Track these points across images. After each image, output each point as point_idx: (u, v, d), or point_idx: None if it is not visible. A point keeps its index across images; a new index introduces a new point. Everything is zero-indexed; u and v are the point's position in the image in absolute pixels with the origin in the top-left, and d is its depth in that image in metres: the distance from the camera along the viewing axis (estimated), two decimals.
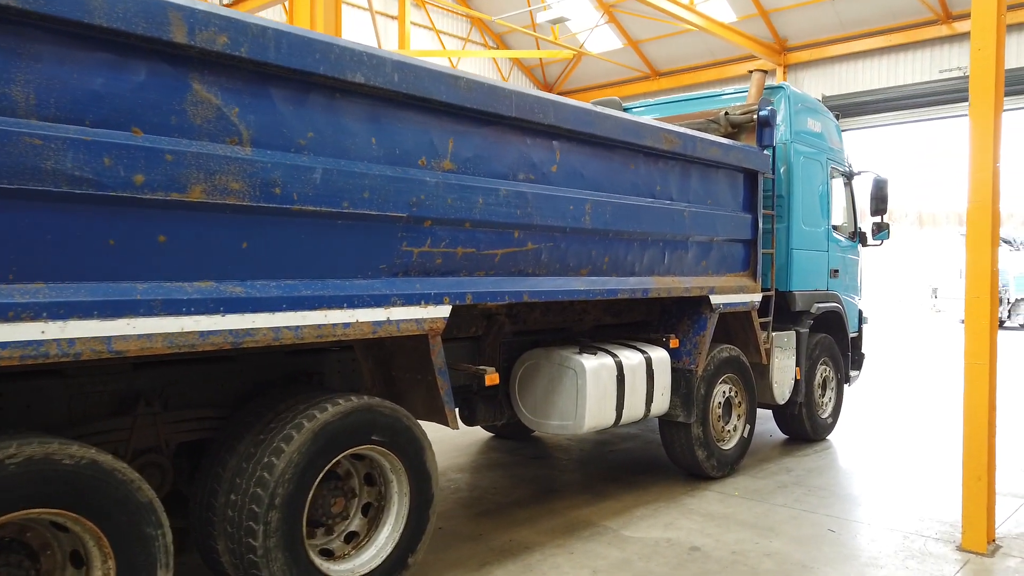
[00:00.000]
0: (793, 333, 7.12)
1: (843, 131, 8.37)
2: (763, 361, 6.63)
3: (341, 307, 3.43)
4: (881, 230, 8.28)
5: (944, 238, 36.05)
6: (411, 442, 3.82)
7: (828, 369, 7.77)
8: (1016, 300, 23.66)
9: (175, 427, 3.65)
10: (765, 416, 7.81)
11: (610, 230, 4.96)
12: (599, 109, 4.82)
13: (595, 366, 5.02)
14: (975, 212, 4.57)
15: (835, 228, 7.93)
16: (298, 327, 3.27)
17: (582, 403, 4.96)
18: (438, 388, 3.94)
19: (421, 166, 3.78)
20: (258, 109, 3.15)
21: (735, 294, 6.24)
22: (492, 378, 4.36)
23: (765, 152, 6.53)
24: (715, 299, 6.00)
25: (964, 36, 15.39)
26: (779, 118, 7.09)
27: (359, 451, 3.68)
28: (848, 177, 8.33)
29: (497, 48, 22.17)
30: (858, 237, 8.40)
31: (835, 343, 7.84)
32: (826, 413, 7.77)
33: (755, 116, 6.51)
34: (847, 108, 16.47)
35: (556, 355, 5.10)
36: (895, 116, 16.85)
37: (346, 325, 3.45)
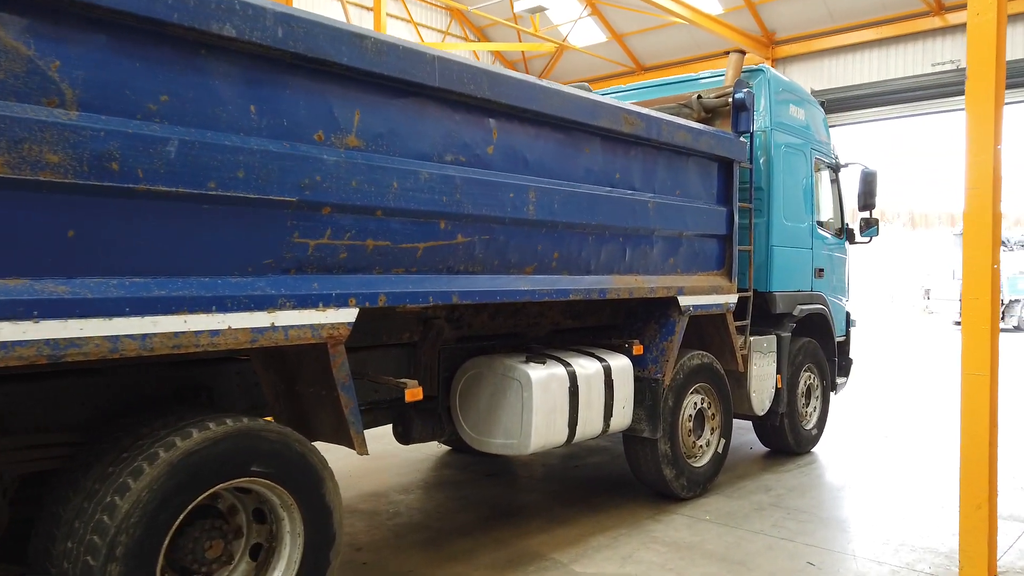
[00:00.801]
0: (773, 337, 6.53)
1: (832, 127, 7.81)
2: (740, 368, 6.03)
3: (207, 310, 2.81)
4: (870, 226, 7.71)
5: (936, 238, 35.62)
6: (305, 473, 3.19)
7: (813, 376, 7.18)
8: (1010, 301, 23.16)
9: (14, 455, 3.02)
10: (746, 427, 7.21)
11: (560, 222, 4.36)
12: (544, 83, 4.21)
13: (543, 377, 4.41)
14: (973, 200, 3.98)
15: (820, 224, 7.35)
16: (146, 335, 2.64)
17: (528, 419, 4.35)
18: (342, 406, 3.32)
19: (317, 141, 3.17)
20: (89, 64, 2.53)
21: (708, 295, 5.65)
22: (414, 393, 3.73)
23: (742, 139, 5.93)
24: (684, 300, 5.40)
25: (957, 28, 14.86)
26: (761, 105, 6.52)
27: (241, 484, 3.06)
28: (834, 169, 7.75)
29: (478, 41, 21.56)
30: (845, 234, 7.82)
31: (820, 348, 7.25)
32: (810, 424, 7.18)
33: (730, 99, 5.92)
34: (837, 103, 15.92)
35: (499, 364, 4.49)
36: (886, 111, 16.30)
37: (214, 333, 2.82)
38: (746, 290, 6.21)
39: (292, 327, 3.08)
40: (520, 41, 20.36)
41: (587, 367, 4.74)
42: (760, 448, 7.21)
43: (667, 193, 5.26)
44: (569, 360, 4.68)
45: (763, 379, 6.38)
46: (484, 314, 4.88)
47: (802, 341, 6.94)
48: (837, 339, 7.62)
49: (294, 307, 3.09)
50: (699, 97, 6.07)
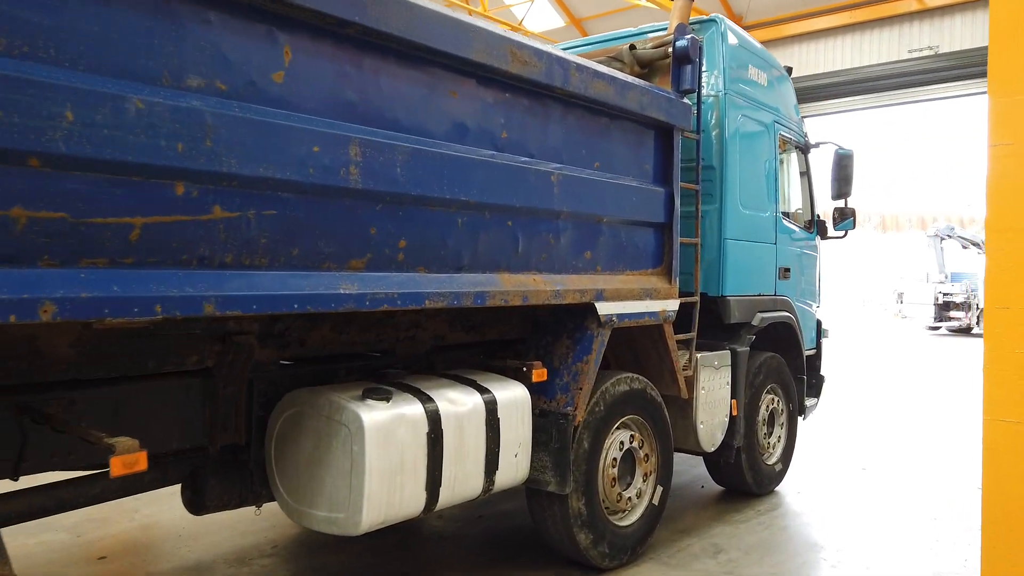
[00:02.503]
0: (727, 353, 5.23)
1: (804, 117, 6.55)
2: (683, 394, 4.72)
3: None
4: (845, 218, 6.45)
5: (908, 241, 34.93)
6: None
7: (776, 399, 5.90)
8: None
9: None
10: (696, 458, 5.92)
11: (407, 195, 3.00)
12: None
13: (383, 420, 3.04)
14: (1002, 158, 2.69)
15: (786, 215, 6.09)
16: None
17: (358, 483, 2.97)
18: None
19: None
20: None
21: (639, 300, 4.33)
22: (131, 460, 2.32)
23: (685, 100, 4.63)
24: (605, 308, 4.07)
25: (935, 12, 13.80)
26: (714, 63, 5.23)
27: None
28: (804, 150, 6.49)
29: None
30: (816, 227, 6.57)
31: (786, 364, 5.97)
32: (773, 458, 5.89)
33: (670, 49, 4.61)
34: (808, 92, 14.81)
35: (324, 401, 3.11)
36: (860, 100, 15.22)
37: None
38: (692, 294, 4.91)
39: None
40: None
41: (459, 402, 3.38)
42: (714, 486, 5.91)
43: (581, 164, 3.94)
44: (433, 393, 3.32)
45: (713, 406, 5.08)
46: (324, 327, 3.50)
47: (763, 357, 5.66)
48: (806, 353, 6.35)
49: None
50: (632, 47, 4.76)
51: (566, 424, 3.88)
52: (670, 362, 4.64)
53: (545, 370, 3.89)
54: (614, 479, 4.23)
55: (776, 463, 5.91)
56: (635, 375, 4.41)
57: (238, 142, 2.42)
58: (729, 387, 5.23)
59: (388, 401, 3.11)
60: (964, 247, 24.47)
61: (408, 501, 3.14)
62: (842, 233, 6.63)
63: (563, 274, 3.86)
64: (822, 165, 6.56)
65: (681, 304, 4.76)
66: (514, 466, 3.64)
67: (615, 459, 4.23)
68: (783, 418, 5.99)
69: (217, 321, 2.90)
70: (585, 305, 4.00)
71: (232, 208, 2.45)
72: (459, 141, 3.25)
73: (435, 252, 3.18)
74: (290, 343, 3.42)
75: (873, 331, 23.45)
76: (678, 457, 4.96)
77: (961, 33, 13.27)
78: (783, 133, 5.96)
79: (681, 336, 4.80)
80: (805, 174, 6.53)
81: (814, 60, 15.02)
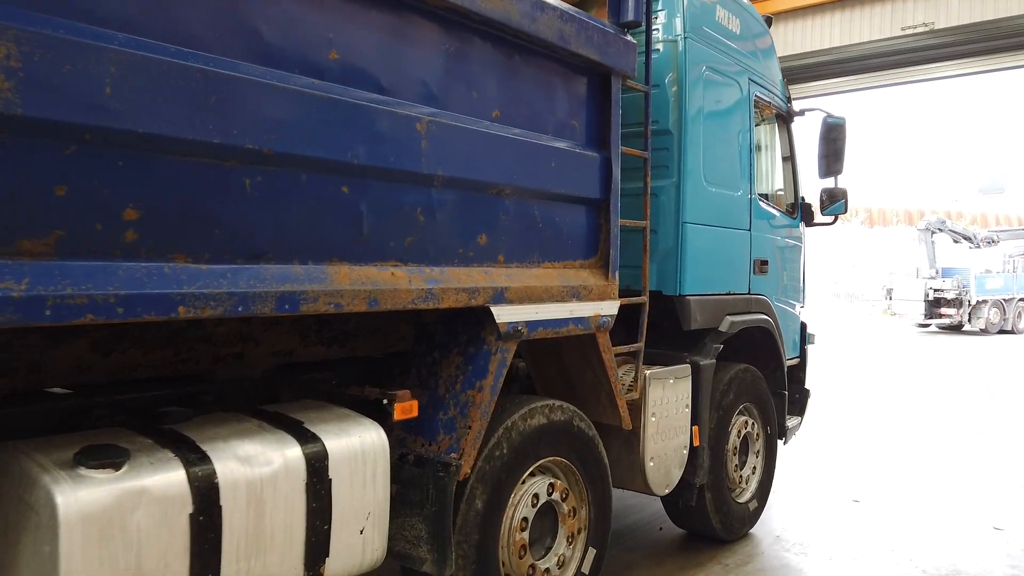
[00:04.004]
0: (687, 367, 4.11)
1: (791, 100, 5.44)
2: (624, 424, 3.60)
3: None
4: (835, 200, 5.33)
5: (896, 236, 34.06)
6: None
7: (751, 422, 4.79)
8: (977, 302, 21.36)
9: None
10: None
11: (131, 134, 1.85)
12: None
13: (94, 504, 1.88)
14: None
15: (764, 197, 4.99)
16: None
17: None
18: None
19: None
20: None
21: (562, 302, 3.19)
22: None
23: (628, 38, 3.49)
24: (508, 314, 2.94)
25: None
26: (677, 4, 4.13)
27: None
28: (786, 118, 5.38)
29: None
30: (800, 211, 5.46)
31: (762, 379, 4.87)
32: (747, 494, 4.78)
33: None
34: (795, 71, 13.73)
35: (16, 470, 1.96)
36: (850, 81, 14.15)
37: None
38: (639, 293, 3.79)
39: None
40: None
41: (257, 460, 2.22)
42: (675, 527, 4.80)
43: (470, 112, 2.79)
44: (213, 448, 2.17)
45: (668, 436, 3.96)
46: (76, 343, 2.36)
47: (734, 370, 4.55)
48: (788, 363, 5.25)
49: None
50: None
51: (446, 479, 2.74)
52: (607, 383, 3.51)
53: (415, 402, 2.74)
54: (524, 547, 3.10)
55: (750, 500, 4.80)
56: (556, 403, 3.27)
57: None
58: (689, 410, 4.12)
59: (118, 469, 1.95)
60: (956, 241, 23.53)
61: None
62: (832, 219, 5.52)
63: (441, 266, 2.72)
64: (809, 138, 5.47)
65: (625, 307, 3.64)
66: (359, 547, 2.49)
67: (525, 520, 3.10)
68: (759, 444, 4.89)
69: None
70: (478, 310, 2.87)
71: None
72: (251, 57, 2.10)
73: (201, 229, 2.03)
74: (18, 370, 2.28)
75: (861, 330, 22.47)
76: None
77: (959, 7, 12.19)
78: (760, 95, 4.85)
79: (624, 348, 3.68)
80: (788, 146, 5.43)
81: (800, 38, 13.91)
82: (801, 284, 5.59)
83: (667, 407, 3.95)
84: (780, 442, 5.20)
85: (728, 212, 4.49)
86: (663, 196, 4.09)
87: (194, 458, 2.09)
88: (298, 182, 2.24)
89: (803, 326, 5.64)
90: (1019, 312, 22.45)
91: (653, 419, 3.84)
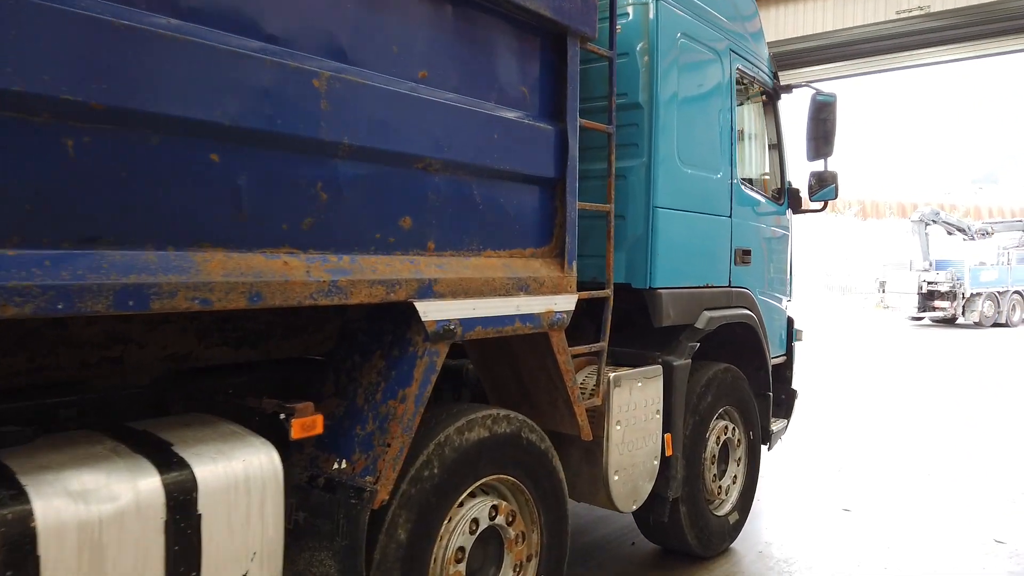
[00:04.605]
0: (657, 368, 3.69)
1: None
2: (583, 435, 3.17)
3: None
4: (825, 185, 4.90)
5: (889, 228, 33.73)
6: None
7: (731, 427, 4.37)
8: (971, 295, 21.02)
9: None
10: None
11: None
12: None
13: None
14: None
15: (747, 181, 4.56)
16: None
17: None
18: None
19: None
20: None
21: (507, 297, 2.76)
22: None
23: None
24: (438, 311, 2.50)
25: None
26: None
27: None
28: (772, 96, 4.95)
29: None
30: (787, 197, 5.04)
31: (744, 380, 4.45)
32: (727, 506, 4.37)
33: None
34: (786, 57, 13.33)
35: None
36: (842, 67, 13.72)
37: None
38: (602, 285, 3.36)
39: None
40: None
41: (98, 496, 1.78)
42: (645, 544, 4.38)
43: (384, 68, 2.34)
44: (36, 481, 1.72)
45: (634, 447, 3.53)
46: None
47: (713, 370, 4.12)
48: (773, 361, 4.84)
49: None
50: None
51: (358, 506, 2.30)
52: (564, 388, 3.08)
53: (319, 417, 2.30)
54: None
55: (730, 512, 4.38)
56: (500, 412, 2.84)
57: None
58: (660, 416, 3.69)
59: None
60: (950, 233, 23.19)
61: None
62: (821, 204, 5.10)
63: (352, 254, 2.27)
64: (797, 118, 5.03)
65: (594, 302, 3.21)
66: None
67: (462, 550, 2.66)
68: (740, 451, 4.47)
69: None
70: (400, 306, 2.43)
71: None
72: None
73: (6, 204, 1.58)
74: None
75: (854, 323, 22.12)
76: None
77: None
78: (744, 68, 4.41)
79: (583, 348, 3.25)
80: (774, 126, 5.00)
81: (792, 22, 13.48)
82: (788, 276, 5.17)
83: (634, 413, 3.52)
84: (764, 448, 4.79)
85: (706, 196, 4.05)
86: (632, 177, 3.65)
87: (4, 496, 1.65)
88: (147, 145, 1.79)
89: (790, 321, 5.22)
90: (1013, 305, 22.13)
91: (618, 427, 3.41)
